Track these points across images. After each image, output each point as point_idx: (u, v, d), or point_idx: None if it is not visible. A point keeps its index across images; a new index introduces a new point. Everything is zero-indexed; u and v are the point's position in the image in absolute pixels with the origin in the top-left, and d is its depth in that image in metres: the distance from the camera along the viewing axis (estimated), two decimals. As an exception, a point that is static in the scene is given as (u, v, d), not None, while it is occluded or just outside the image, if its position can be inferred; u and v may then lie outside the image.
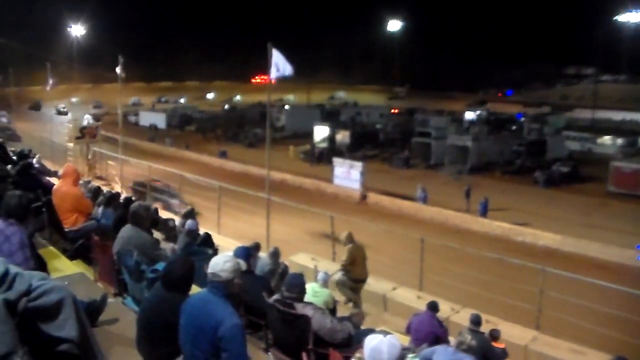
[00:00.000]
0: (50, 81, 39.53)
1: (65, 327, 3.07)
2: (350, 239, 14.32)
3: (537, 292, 14.16)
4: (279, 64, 16.63)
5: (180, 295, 5.02)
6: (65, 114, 75.92)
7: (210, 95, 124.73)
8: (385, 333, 3.97)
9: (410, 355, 6.77)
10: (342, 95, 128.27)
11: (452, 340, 7.95)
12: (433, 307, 10.84)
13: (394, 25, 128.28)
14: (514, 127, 67.93)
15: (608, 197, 40.18)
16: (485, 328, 10.62)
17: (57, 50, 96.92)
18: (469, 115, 78.37)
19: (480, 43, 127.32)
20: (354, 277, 14.01)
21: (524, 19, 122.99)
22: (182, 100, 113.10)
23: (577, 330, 14.18)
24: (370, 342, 3.81)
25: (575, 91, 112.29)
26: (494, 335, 10.97)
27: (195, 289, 5.37)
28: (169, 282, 5.09)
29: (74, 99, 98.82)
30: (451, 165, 49.07)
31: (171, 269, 5.17)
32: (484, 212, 34.07)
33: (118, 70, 27.33)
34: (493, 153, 51.15)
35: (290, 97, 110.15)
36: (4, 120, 62.04)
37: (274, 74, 16.88)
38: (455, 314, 13.58)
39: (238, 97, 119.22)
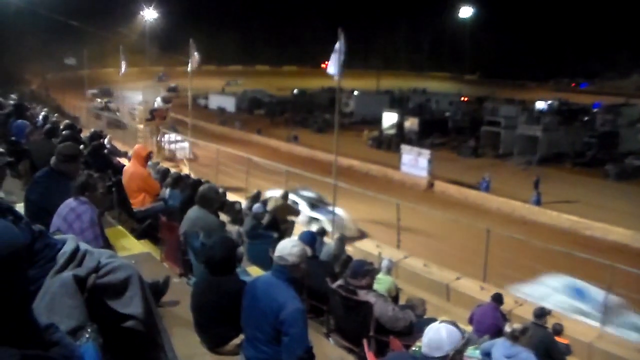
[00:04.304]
0: (123, 64, 40.11)
1: (131, 305, 3.14)
2: (283, 195, 14.59)
3: (604, 288, 13.90)
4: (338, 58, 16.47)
5: (226, 277, 5.10)
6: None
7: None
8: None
9: (471, 348, 6.75)
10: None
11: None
12: (497, 299, 10.74)
13: (466, 11, 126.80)
14: (586, 118, 66.17)
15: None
16: (548, 323, 10.45)
17: (130, 33, 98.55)
18: (540, 104, 76.74)
19: (553, 31, 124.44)
20: None
21: (599, 5, 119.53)
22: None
23: (646, 330, 13.87)
24: (430, 330, 3.79)
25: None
26: (557, 329, 10.78)
27: (258, 272, 5.42)
28: (211, 266, 5.16)
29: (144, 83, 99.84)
30: (520, 155, 48.33)
31: (211, 253, 5.23)
32: (537, 203, 33.64)
33: (196, 56, 27.47)
34: (564, 144, 49.85)
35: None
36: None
37: (330, 67, 16.72)
38: (519, 307, 13.41)
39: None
